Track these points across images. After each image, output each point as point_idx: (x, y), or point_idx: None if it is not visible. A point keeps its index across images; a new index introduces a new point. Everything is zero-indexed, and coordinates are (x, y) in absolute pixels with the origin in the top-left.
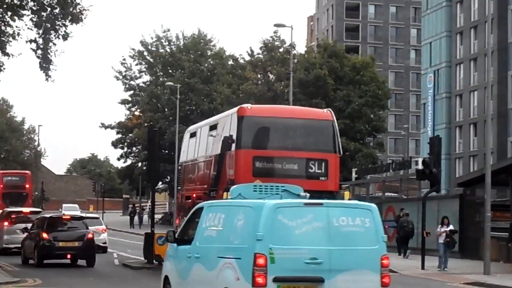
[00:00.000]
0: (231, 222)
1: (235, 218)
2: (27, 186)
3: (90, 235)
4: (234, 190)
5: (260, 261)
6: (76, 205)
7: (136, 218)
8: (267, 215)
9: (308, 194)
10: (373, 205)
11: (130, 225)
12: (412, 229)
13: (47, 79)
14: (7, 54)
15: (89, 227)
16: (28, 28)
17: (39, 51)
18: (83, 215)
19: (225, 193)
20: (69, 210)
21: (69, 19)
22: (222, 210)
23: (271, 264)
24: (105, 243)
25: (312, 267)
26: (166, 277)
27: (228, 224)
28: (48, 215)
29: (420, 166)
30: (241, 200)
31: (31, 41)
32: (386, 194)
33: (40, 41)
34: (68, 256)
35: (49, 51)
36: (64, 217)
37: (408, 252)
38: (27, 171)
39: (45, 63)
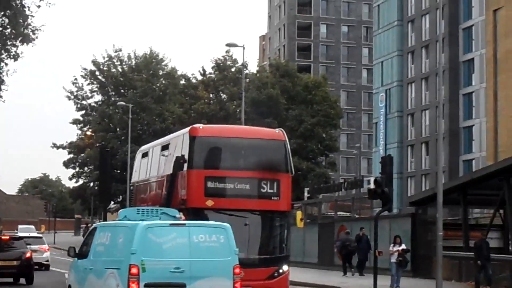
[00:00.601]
0: (115, 239)
1: (117, 236)
2: None
3: (28, 254)
4: (121, 213)
5: (134, 270)
6: (33, 227)
7: None
8: (139, 233)
9: (182, 216)
10: (227, 225)
11: None
12: (354, 248)
13: None
14: None
15: (32, 246)
16: None
17: None
18: (29, 235)
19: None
20: (25, 231)
21: (19, 39)
22: (109, 229)
23: (142, 273)
24: (47, 261)
25: (176, 275)
26: (69, 286)
27: (113, 241)
28: None
29: (372, 186)
30: (123, 221)
31: None
32: (339, 213)
33: None
34: (5, 275)
35: (0, 71)
36: (3, 237)
37: (353, 271)
38: None
39: None
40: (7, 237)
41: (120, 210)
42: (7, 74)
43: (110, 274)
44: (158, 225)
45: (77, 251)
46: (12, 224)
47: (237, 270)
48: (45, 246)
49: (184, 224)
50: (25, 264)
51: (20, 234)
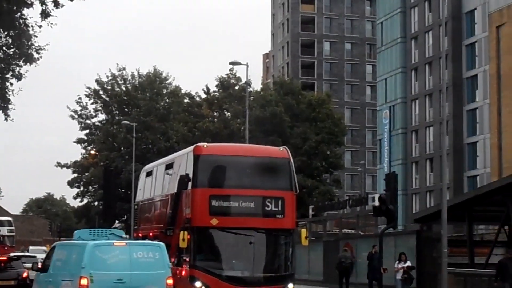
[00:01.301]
0: (70, 256)
1: (72, 253)
2: None
3: (25, 274)
4: (76, 233)
5: (84, 281)
6: (44, 248)
7: None
8: (88, 251)
9: (127, 236)
10: (161, 243)
11: None
12: (350, 264)
13: (6, 119)
14: None
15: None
16: None
17: None
18: (24, 254)
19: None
20: (36, 252)
21: (23, 59)
22: (65, 248)
23: (91, 283)
24: None
25: (119, 285)
26: None
27: (68, 257)
28: None
29: (376, 203)
30: (76, 241)
31: None
32: (343, 230)
33: None
34: None
35: (6, 90)
36: (1, 258)
37: None
38: None
39: (3, 103)
40: (5, 258)
41: (75, 231)
42: (13, 93)
43: (65, 285)
44: (104, 244)
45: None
46: (17, 244)
47: (170, 281)
48: None
49: (125, 244)
50: (21, 283)
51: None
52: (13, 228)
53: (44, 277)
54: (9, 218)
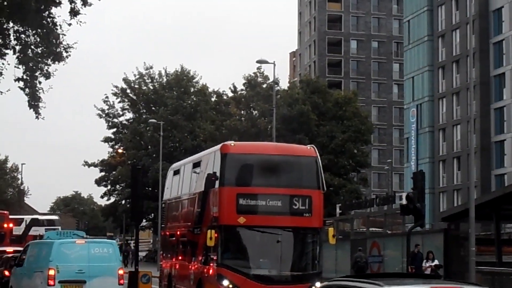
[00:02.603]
0: (40, 252)
1: (42, 250)
2: (4, 225)
3: None
4: (46, 234)
5: (51, 272)
6: None
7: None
8: (55, 248)
9: (87, 236)
10: (113, 241)
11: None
12: (365, 263)
13: (37, 117)
14: None
15: None
16: (15, 66)
17: (27, 89)
18: None
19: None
20: None
21: (51, 58)
22: (37, 246)
23: (57, 273)
24: None
25: (80, 275)
26: (11, 287)
27: (38, 253)
28: (11, 255)
29: (404, 201)
30: (45, 240)
31: (18, 79)
32: (371, 229)
33: (27, 79)
34: None
35: (36, 88)
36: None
37: None
38: (5, 211)
39: (34, 101)
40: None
41: (45, 232)
42: (43, 91)
43: (37, 275)
44: (67, 242)
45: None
46: None
47: (121, 272)
48: None
49: (84, 242)
50: None
51: None
52: (55, 228)
53: (19, 270)
54: (54, 217)
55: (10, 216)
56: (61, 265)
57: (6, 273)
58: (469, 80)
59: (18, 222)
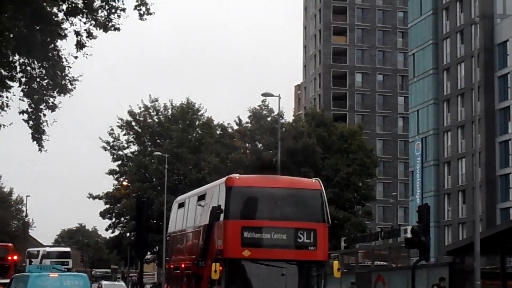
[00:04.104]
0: (19, 284)
1: (21, 282)
2: (9, 258)
3: None
4: (27, 267)
5: None
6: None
7: None
8: (31, 280)
9: (65, 269)
10: (84, 274)
11: None
12: None
13: (40, 150)
14: None
15: None
16: (19, 99)
17: (31, 122)
18: None
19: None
20: None
21: (57, 90)
22: (18, 278)
23: None
24: None
25: None
26: None
27: (18, 285)
28: None
29: (409, 235)
30: (25, 273)
31: (23, 112)
32: (375, 262)
33: (32, 111)
34: None
35: (41, 121)
36: None
37: None
38: (9, 244)
39: (38, 134)
40: None
41: (27, 266)
42: (47, 124)
43: None
44: (42, 275)
45: None
46: None
47: None
48: None
49: (57, 275)
50: None
51: None
52: (65, 260)
53: None
54: (66, 249)
55: (29, 249)
56: None
57: None
58: (474, 113)
59: (34, 255)
